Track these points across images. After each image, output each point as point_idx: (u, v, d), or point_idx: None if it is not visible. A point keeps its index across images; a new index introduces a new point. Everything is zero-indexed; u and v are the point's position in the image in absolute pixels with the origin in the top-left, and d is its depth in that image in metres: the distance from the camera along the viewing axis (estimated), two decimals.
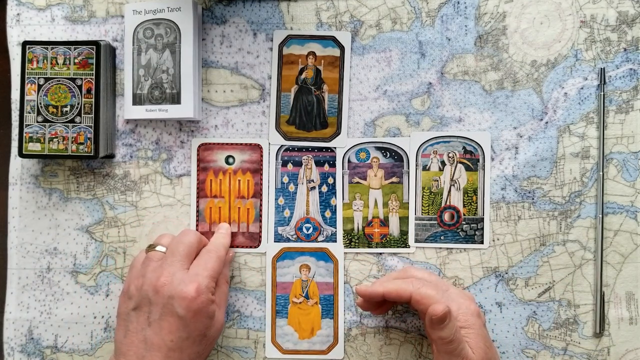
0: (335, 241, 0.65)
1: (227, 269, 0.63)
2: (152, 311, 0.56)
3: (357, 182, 0.65)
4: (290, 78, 0.65)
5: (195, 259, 0.59)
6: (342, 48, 0.65)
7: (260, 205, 0.65)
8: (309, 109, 0.65)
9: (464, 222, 0.65)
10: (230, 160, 0.66)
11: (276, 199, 0.65)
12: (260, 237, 0.65)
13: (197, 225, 0.65)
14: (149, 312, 0.56)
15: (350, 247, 0.65)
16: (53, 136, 0.62)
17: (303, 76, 0.65)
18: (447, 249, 0.65)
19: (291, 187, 0.65)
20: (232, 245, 0.65)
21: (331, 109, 0.65)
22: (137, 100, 0.64)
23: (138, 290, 0.57)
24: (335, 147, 0.65)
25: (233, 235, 0.65)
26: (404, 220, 0.65)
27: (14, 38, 0.66)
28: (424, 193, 0.65)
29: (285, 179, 0.65)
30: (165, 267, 0.57)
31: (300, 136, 0.65)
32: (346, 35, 0.65)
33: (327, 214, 0.65)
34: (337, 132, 0.65)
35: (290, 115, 0.65)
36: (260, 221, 0.65)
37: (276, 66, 0.65)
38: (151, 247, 0.60)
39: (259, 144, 0.65)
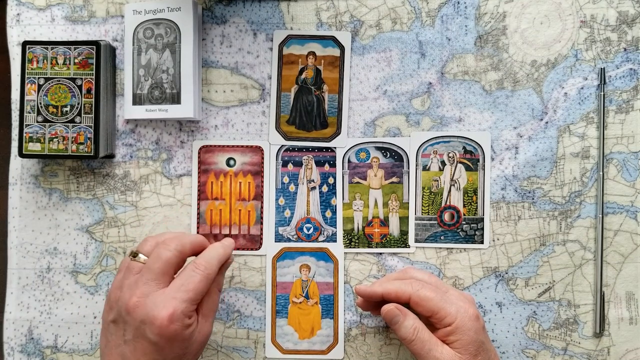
0: (335, 241, 0.65)
1: (221, 276, 0.58)
2: (126, 330, 0.53)
3: (357, 182, 0.65)
4: (290, 78, 0.65)
5: (178, 276, 0.54)
6: (342, 48, 0.65)
7: (261, 207, 0.65)
8: (309, 109, 0.65)
9: (464, 222, 0.65)
10: (231, 162, 0.66)
11: (277, 199, 0.65)
12: (261, 239, 0.65)
13: (197, 228, 0.65)
14: (123, 330, 0.53)
15: (350, 247, 0.65)
16: (53, 136, 0.62)
17: (303, 76, 0.65)
18: (447, 249, 0.65)
19: (292, 187, 0.65)
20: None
21: (331, 109, 0.65)
22: (137, 100, 0.64)
23: (115, 303, 0.54)
24: (335, 147, 0.65)
25: (234, 238, 0.65)
26: (404, 220, 0.65)
27: (14, 38, 0.66)
28: (424, 193, 0.65)
29: (286, 179, 0.65)
30: (139, 286, 0.53)
31: (301, 136, 0.65)
32: (346, 35, 0.65)
33: (328, 214, 0.65)
34: (337, 132, 0.65)
35: (290, 115, 0.65)
36: (261, 223, 0.65)
37: (276, 66, 0.65)
38: (134, 254, 0.56)
39: (259, 147, 0.65)
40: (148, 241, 0.57)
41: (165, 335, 0.52)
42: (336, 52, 0.65)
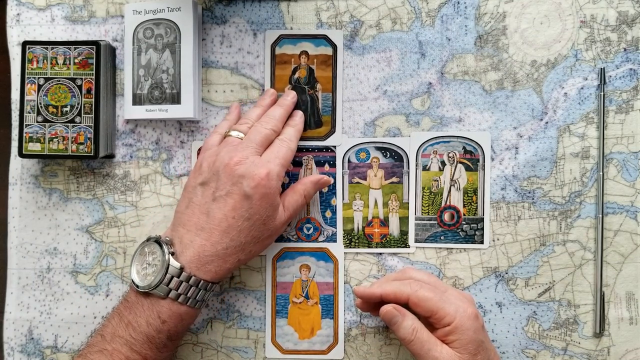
0: (335, 241, 0.65)
1: (313, 188, 0.63)
2: (219, 187, 0.57)
3: (357, 182, 0.65)
4: (283, 78, 0.65)
5: (269, 148, 0.60)
6: (334, 46, 0.65)
7: None
8: (303, 108, 0.65)
9: (464, 222, 0.65)
10: None
11: None
12: None
13: None
14: (215, 188, 0.58)
15: (350, 247, 0.65)
16: (53, 136, 0.62)
17: (296, 76, 0.65)
18: (447, 249, 0.65)
19: None
20: None
21: (325, 108, 0.65)
22: (137, 100, 0.64)
23: (209, 167, 0.59)
24: (334, 147, 0.65)
25: None
26: (404, 220, 0.65)
27: (14, 38, 0.66)
28: (424, 193, 0.65)
29: (286, 180, 0.65)
30: (240, 150, 0.59)
31: None
32: (338, 34, 0.65)
33: (328, 214, 0.65)
34: (332, 131, 0.65)
35: None
36: None
37: (269, 66, 0.65)
38: (227, 133, 0.61)
39: None
40: (243, 123, 0.62)
41: (260, 189, 0.57)
42: (329, 50, 0.65)
